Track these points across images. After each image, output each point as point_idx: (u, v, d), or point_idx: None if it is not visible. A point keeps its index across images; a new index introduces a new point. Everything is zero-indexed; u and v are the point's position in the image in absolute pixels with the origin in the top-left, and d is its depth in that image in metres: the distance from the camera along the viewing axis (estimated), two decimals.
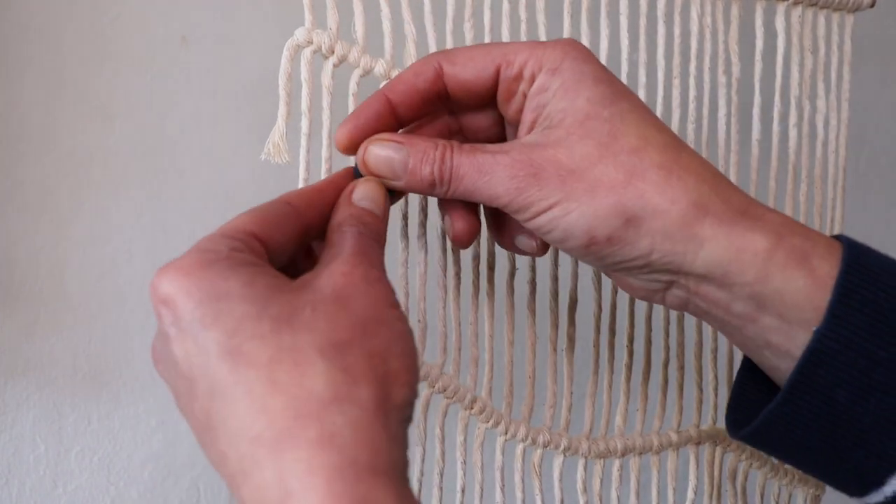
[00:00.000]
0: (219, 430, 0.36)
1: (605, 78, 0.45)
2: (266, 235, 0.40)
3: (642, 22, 0.57)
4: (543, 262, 0.53)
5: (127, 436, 0.65)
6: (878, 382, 0.42)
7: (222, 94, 0.67)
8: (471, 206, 0.48)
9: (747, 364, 0.48)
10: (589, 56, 0.45)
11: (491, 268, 0.52)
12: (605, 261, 0.44)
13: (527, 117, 0.45)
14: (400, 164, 0.45)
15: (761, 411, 0.45)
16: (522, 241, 0.48)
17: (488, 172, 0.44)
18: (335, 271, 0.39)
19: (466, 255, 0.52)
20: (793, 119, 0.62)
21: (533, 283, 0.53)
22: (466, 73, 0.45)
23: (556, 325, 0.54)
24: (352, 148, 0.45)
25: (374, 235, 0.42)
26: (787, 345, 0.44)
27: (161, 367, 0.39)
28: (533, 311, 0.53)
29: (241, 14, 0.67)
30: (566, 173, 0.43)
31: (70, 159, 0.63)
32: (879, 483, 0.43)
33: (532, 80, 0.45)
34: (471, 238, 0.48)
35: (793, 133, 0.62)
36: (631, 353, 0.57)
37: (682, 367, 0.58)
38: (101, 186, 0.64)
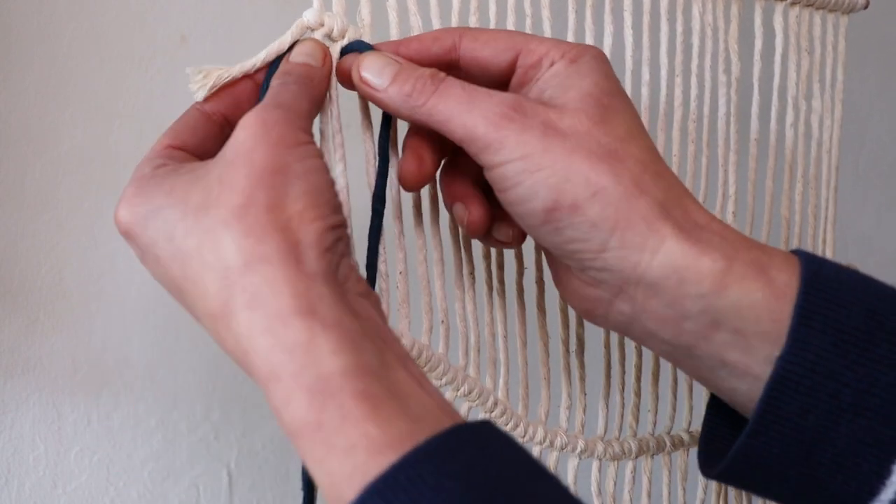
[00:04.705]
0: (198, 319, 0.41)
1: (615, 79, 0.46)
2: (180, 142, 0.44)
3: (646, 19, 0.57)
4: None
5: (126, 436, 0.65)
6: (847, 404, 0.41)
7: None
8: (482, 191, 0.47)
9: (713, 402, 0.47)
10: (607, 62, 0.46)
11: (500, 267, 0.52)
12: (562, 235, 0.43)
13: (532, 93, 0.45)
14: (389, 70, 0.45)
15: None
16: (500, 229, 0.47)
17: (474, 101, 0.43)
18: (237, 130, 0.41)
19: (477, 253, 0.52)
20: (790, 119, 0.63)
21: (541, 281, 0.53)
22: (486, 50, 0.46)
23: (566, 325, 0.54)
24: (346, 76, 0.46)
25: (301, 81, 0.44)
26: (745, 360, 0.43)
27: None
28: (543, 311, 0.53)
29: (241, 14, 0.67)
30: (551, 129, 0.43)
31: (70, 159, 0.63)
32: None
33: (550, 67, 0.45)
34: (487, 225, 0.47)
35: (789, 133, 0.63)
36: (640, 353, 0.57)
37: None
38: (101, 186, 0.64)
